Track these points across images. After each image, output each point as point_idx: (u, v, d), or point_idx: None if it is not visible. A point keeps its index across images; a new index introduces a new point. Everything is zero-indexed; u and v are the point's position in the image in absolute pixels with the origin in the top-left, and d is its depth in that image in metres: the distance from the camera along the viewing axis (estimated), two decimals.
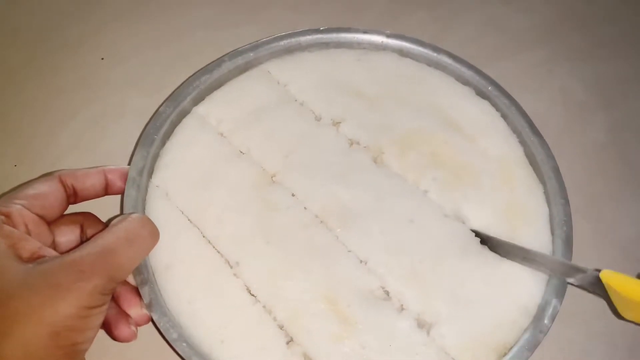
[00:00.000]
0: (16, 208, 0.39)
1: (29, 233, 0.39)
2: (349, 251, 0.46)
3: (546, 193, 0.50)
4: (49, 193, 0.42)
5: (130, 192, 0.47)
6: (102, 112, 0.59)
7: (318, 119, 0.53)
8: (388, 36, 0.56)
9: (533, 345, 0.42)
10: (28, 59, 0.62)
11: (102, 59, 0.62)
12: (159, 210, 0.48)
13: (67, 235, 0.44)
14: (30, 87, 0.60)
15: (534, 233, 0.47)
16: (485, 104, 0.54)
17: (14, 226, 0.38)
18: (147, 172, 0.49)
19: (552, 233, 0.48)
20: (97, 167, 0.46)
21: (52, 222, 0.43)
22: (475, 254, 0.46)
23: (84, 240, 0.45)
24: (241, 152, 0.51)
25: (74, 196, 0.44)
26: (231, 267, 0.45)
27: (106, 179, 0.46)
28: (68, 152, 0.57)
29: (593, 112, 0.61)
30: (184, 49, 0.63)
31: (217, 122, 0.52)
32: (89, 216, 0.46)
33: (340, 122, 0.52)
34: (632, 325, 0.47)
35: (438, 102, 0.53)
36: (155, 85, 0.59)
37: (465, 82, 0.55)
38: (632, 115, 0.61)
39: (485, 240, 0.47)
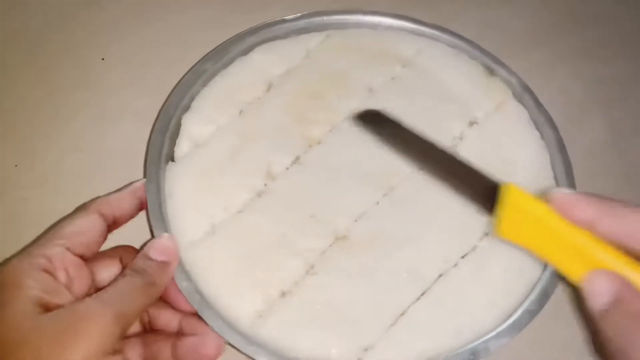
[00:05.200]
0: (57, 252, 0.38)
1: (70, 279, 0.38)
2: None
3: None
4: (91, 228, 0.41)
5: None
6: (102, 112, 0.59)
7: None
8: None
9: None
10: (28, 59, 0.62)
11: (102, 59, 0.62)
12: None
13: (110, 272, 0.43)
14: (30, 87, 0.60)
15: None
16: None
17: (54, 271, 0.38)
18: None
19: None
20: (124, 188, 0.46)
21: (92, 259, 0.42)
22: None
23: None
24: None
25: (114, 225, 0.43)
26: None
27: (138, 198, 0.46)
28: (68, 153, 0.56)
29: (593, 112, 0.61)
30: (184, 49, 0.62)
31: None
32: (127, 249, 0.45)
33: None
34: None
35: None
36: (156, 85, 0.59)
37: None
38: (632, 115, 0.61)
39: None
